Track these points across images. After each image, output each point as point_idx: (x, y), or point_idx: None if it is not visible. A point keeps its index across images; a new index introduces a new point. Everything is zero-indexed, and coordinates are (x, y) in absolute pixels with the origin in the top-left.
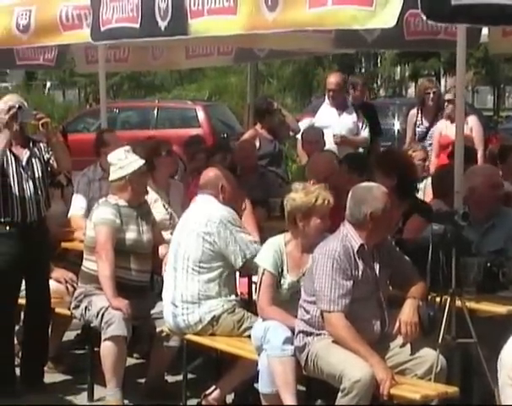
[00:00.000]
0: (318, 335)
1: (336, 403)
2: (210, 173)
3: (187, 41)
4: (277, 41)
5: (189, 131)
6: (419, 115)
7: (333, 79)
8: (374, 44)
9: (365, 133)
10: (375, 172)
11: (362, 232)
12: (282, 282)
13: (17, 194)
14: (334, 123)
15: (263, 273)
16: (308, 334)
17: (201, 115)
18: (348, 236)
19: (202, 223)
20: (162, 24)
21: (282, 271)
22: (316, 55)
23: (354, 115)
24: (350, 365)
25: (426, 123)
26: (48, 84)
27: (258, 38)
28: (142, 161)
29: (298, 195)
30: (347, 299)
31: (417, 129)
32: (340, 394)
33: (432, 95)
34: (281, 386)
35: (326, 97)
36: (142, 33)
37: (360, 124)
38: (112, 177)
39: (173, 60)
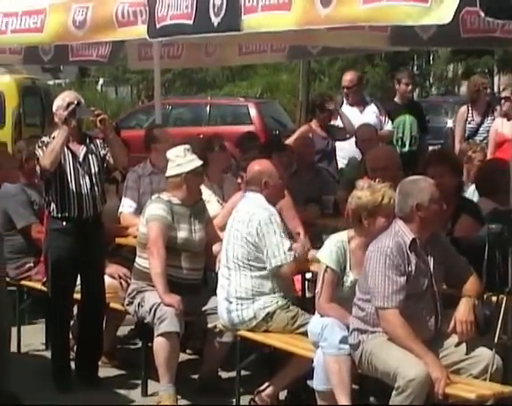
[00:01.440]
0: (372, 332)
1: (390, 402)
2: (255, 168)
3: (240, 37)
4: (331, 38)
5: (241, 128)
6: (470, 111)
7: (347, 77)
8: (430, 42)
9: (388, 126)
10: (434, 169)
11: (413, 225)
12: (345, 279)
13: (73, 189)
14: (358, 120)
15: (325, 270)
16: (363, 332)
17: (253, 112)
18: (400, 232)
19: (244, 223)
20: (215, 21)
21: (345, 268)
22: (368, 52)
23: (376, 110)
24: (404, 364)
25: (477, 120)
26: (101, 81)
27: (312, 35)
28: (200, 162)
29: (364, 193)
30: (401, 295)
31: (468, 126)
32: (394, 392)
33: (484, 90)
34: (336, 384)
35: (345, 97)
36: (195, 29)
37: (383, 118)
38: (169, 173)
39: (226, 57)
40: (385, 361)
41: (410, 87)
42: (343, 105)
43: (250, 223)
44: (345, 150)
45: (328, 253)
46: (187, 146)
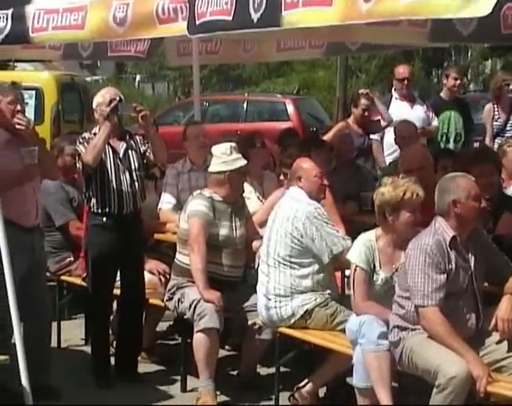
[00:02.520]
0: (413, 330)
1: (431, 400)
2: (294, 164)
3: (278, 33)
4: (370, 34)
5: (279, 124)
6: (495, 109)
7: (400, 69)
8: (470, 37)
9: (435, 122)
10: (479, 167)
11: (452, 222)
12: (375, 278)
13: (114, 185)
14: (408, 115)
15: (355, 270)
16: (403, 329)
17: (290, 108)
18: (440, 229)
19: (289, 219)
20: (255, 17)
21: (374, 267)
22: (407, 49)
23: (424, 105)
24: (445, 361)
25: (503, 116)
26: (138, 77)
27: (351, 32)
28: (244, 161)
29: (387, 189)
30: (441, 293)
31: (495, 124)
32: (434, 390)
33: (505, 87)
34: (376, 380)
35: (394, 92)
36: (235, 25)
37: (430, 114)
38: (213, 169)
39: (264, 53)
40: (426, 359)
41: (458, 82)
42: (392, 100)
43: (295, 219)
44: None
45: (356, 252)
46: (233, 144)
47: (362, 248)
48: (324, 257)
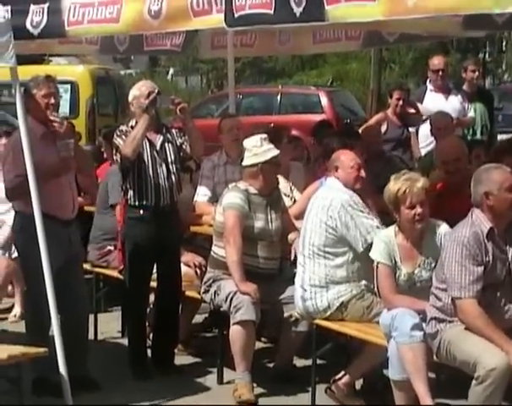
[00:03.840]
0: (450, 322)
1: (470, 392)
2: (333, 155)
3: (315, 25)
4: (405, 24)
5: (312, 117)
6: None
7: (435, 61)
8: (504, 26)
9: (471, 112)
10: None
11: (488, 214)
12: (398, 273)
13: (151, 178)
14: (443, 107)
15: (377, 266)
16: (441, 321)
17: (324, 101)
18: (477, 221)
19: (324, 208)
20: (297, 11)
21: (396, 262)
22: (440, 40)
23: (459, 96)
24: (484, 353)
25: None
26: (171, 70)
27: (387, 22)
28: (276, 152)
29: (388, 187)
30: (479, 285)
31: None
32: (474, 382)
33: None
34: (412, 372)
35: (429, 83)
36: (276, 19)
37: (465, 104)
38: (245, 162)
39: (300, 45)
40: (465, 350)
41: (476, 74)
42: (426, 91)
43: (331, 208)
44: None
45: (377, 249)
46: (264, 136)
47: (382, 244)
48: (359, 246)
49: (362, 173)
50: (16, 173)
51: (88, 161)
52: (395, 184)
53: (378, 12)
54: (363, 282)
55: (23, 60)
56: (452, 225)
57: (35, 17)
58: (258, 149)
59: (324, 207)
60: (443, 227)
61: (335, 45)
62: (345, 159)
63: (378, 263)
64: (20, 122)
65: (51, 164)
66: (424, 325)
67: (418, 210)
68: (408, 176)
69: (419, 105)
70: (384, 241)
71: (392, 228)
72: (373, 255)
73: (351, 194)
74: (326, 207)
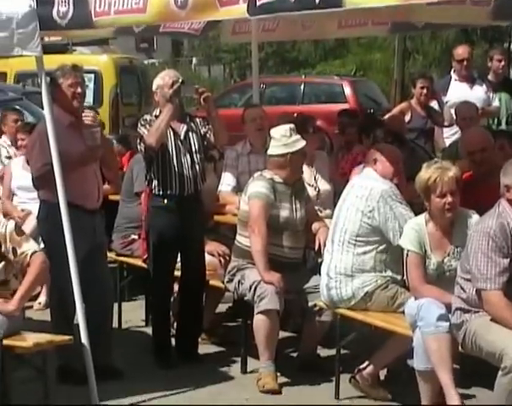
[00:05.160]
0: (476, 312)
1: (496, 383)
2: (373, 147)
3: (340, 13)
4: (432, 13)
5: (336, 107)
6: None
7: (460, 51)
8: None
9: (496, 102)
10: None
11: (509, 206)
12: (427, 262)
13: (175, 167)
14: (468, 96)
15: (407, 255)
16: (466, 311)
17: (348, 90)
18: (504, 213)
19: (363, 198)
20: None
21: (426, 251)
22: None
23: (484, 86)
24: (511, 344)
25: None
26: (194, 60)
27: (414, 11)
28: (304, 143)
29: (418, 175)
30: (504, 276)
31: None
32: (500, 373)
33: None
34: (437, 363)
35: (453, 73)
36: (296, 6)
37: (490, 94)
38: (273, 151)
39: (324, 30)
40: (490, 341)
41: (502, 63)
42: (451, 81)
43: (370, 197)
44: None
45: (407, 237)
46: (292, 126)
47: (412, 232)
48: (396, 237)
49: (400, 168)
50: (43, 162)
51: (111, 151)
52: (426, 173)
53: None
54: (389, 272)
55: (46, 50)
56: (478, 216)
57: (62, 7)
58: (287, 139)
59: (362, 197)
60: (474, 217)
61: (361, 30)
62: (385, 152)
63: (408, 251)
64: (46, 111)
65: (78, 153)
66: (450, 315)
67: (449, 199)
68: (439, 164)
69: (445, 110)
70: (415, 229)
71: (423, 217)
72: (403, 243)
73: (390, 184)
74: (365, 197)
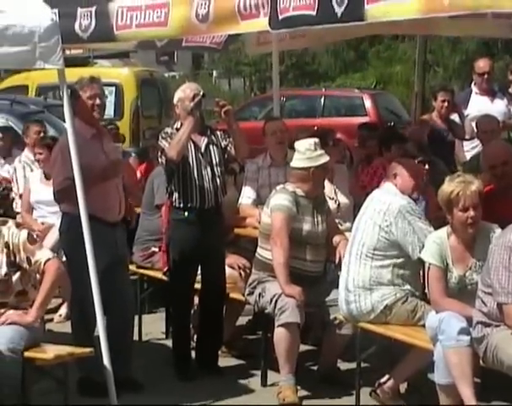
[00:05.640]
0: (497, 326)
1: None
2: (394, 161)
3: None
4: (453, 27)
5: (356, 119)
6: None
7: (481, 64)
8: None
9: None
10: None
11: None
12: (449, 276)
13: (196, 180)
14: (488, 110)
15: (428, 268)
16: (487, 325)
17: (368, 103)
18: None
19: (381, 212)
20: (339, 11)
21: (447, 264)
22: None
23: (505, 99)
24: None
25: None
26: (214, 73)
27: (434, 25)
28: (327, 158)
29: (441, 188)
30: None
31: None
32: None
33: None
34: (458, 377)
35: (474, 86)
36: (318, 20)
37: (511, 108)
38: (296, 164)
39: (351, 29)
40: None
41: None
42: (472, 94)
43: (388, 212)
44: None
45: (428, 250)
46: (317, 140)
47: (434, 245)
48: (416, 251)
49: (421, 182)
50: (65, 176)
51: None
52: (449, 186)
53: (415, 10)
54: (407, 286)
55: (68, 63)
56: (501, 229)
57: (84, 20)
58: (311, 153)
59: (380, 211)
60: (497, 231)
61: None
62: (406, 167)
63: (429, 265)
64: (68, 124)
65: (102, 167)
66: (471, 329)
67: (471, 213)
68: (462, 178)
69: (466, 123)
70: (437, 243)
71: (445, 230)
72: (424, 256)
73: (409, 200)
74: (383, 211)
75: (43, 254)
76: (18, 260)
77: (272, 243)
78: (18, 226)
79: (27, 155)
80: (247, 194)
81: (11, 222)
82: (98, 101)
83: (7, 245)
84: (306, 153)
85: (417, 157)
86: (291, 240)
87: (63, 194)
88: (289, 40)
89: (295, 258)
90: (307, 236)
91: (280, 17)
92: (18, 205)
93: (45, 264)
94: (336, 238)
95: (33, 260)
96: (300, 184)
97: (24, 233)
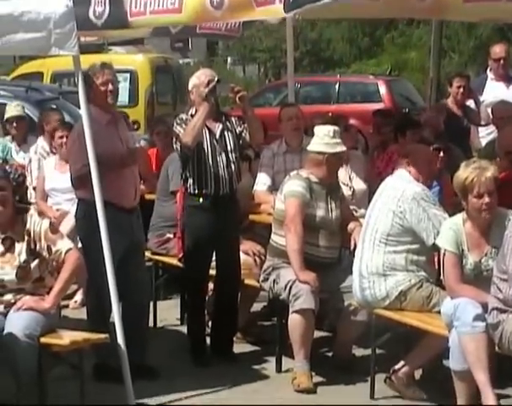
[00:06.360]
0: None
1: None
2: (408, 148)
3: None
4: (468, 11)
5: (371, 106)
6: None
7: (497, 49)
8: None
9: None
10: None
11: None
12: (464, 262)
13: (210, 166)
14: (504, 96)
15: (444, 254)
16: (502, 311)
17: (383, 90)
18: None
19: (395, 198)
20: None
21: (463, 251)
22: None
23: None
24: None
25: None
26: (229, 59)
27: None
28: (344, 148)
29: (456, 174)
30: None
31: None
32: None
33: None
34: (473, 363)
35: (490, 72)
36: None
37: None
38: (312, 148)
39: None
40: None
41: None
42: (487, 80)
43: (402, 198)
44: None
45: (444, 237)
46: (337, 128)
47: (449, 232)
48: (430, 238)
49: (435, 169)
50: (83, 163)
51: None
52: (464, 172)
53: None
54: (422, 272)
55: (82, 49)
56: None
57: (98, 7)
58: (329, 139)
59: (394, 197)
60: None
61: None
62: (419, 154)
63: (445, 251)
64: (83, 110)
65: (118, 153)
66: (486, 315)
67: (486, 199)
68: (477, 164)
69: (482, 109)
70: (453, 229)
71: (460, 216)
72: (440, 242)
73: (423, 187)
74: (397, 198)
75: (64, 244)
76: (38, 248)
77: (286, 229)
78: (39, 214)
79: (43, 146)
80: (263, 181)
81: (33, 210)
82: (111, 87)
83: (28, 233)
84: (324, 138)
85: (433, 144)
86: (305, 226)
87: (81, 181)
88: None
89: (308, 244)
90: (320, 222)
91: None
92: (32, 196)
93: (65, 254)
94: (351, 225)
95: (54, 249)
96: (314, 170)
97: (46, 222)
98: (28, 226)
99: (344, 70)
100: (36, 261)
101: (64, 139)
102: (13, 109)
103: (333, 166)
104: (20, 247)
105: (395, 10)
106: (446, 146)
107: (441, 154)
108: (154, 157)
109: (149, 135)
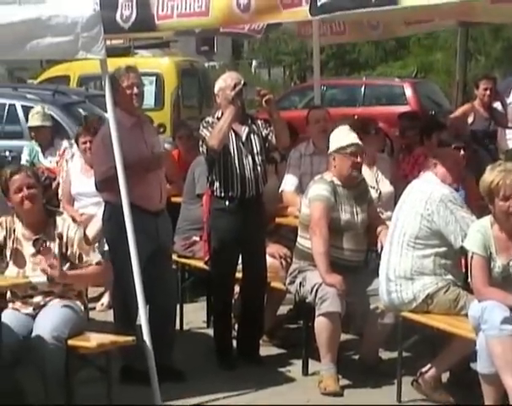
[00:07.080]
0: None
1: None
2: (435, 151)
3: (401, 14)
4: (493, 12)
5: (396, 108)
6: None
7: None
8: None
9: None
10: None
11: None
12: (492, 264)
13: (237, 169)
14: None
15: (471, 257)
16: None
17: (409, 92)
18: None
19: (422, 201)
20: None
21: (491, 253)
22: None
23: None
24: None
25: None
26: (254, 62)
27: (475, 11)
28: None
29: (483, 177)
30: None
31: None
32: None
33: None
34: (501, 366)
35: None
36: (353, 5)
37: None
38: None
39: (392, 28)
40: None
41: None
42: None
43: (429, 201)
44: None
45: (472, 239)
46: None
47: (477, 234)
48: (458, 240)
49: (461, 172)
50: (109, 165)
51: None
52: (490, 175)
53: None
54: (449, 276)
55: (109, 53)
56: None
57: (125, 11)
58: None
59: (421, 200)
60: None
61: (429, 25)
62: (445, 156)
63: (472, 254)
64: (109, 113)
65: (144, 157)
66: None
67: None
68: (503, 167)
69: (509, 111)
70: (480, 232)
71: (488, 219)
72: (467, 245)
73: (450, 189)
74: (424, 200)
75: (95, 256)
76: (69, 253)
77: (311, 232)
78: (74, 220)
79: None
80: (290, 181)
81: (66, 215)
82: (136, 90)
83: (60, 236)
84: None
85: (452, 144)
86: (330, 230)
87: (106, 184)
88: (330, 35)
89: (334, 247)
90: (346, 225)
91: (319, 3)
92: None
93: (95, 265)
94: (378, 228)
95: (85, 258)
96: (333, 173)
97: (81, 231)
98: (60, 229)
99: (369, 73)
100: (67, 265)
101: (88, 145)
102: (33, 119)
103: (343, 163)
104: (52, 249)
105: (419, 14)
106: (466, 146)
107: (461, 152)
108: (177, 159)
109: (173, 139)
